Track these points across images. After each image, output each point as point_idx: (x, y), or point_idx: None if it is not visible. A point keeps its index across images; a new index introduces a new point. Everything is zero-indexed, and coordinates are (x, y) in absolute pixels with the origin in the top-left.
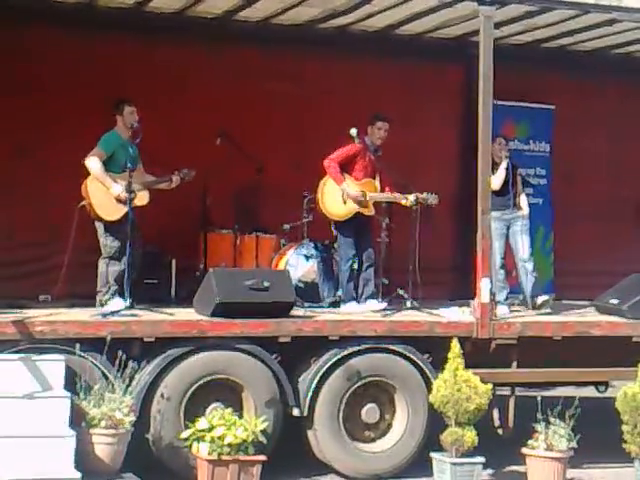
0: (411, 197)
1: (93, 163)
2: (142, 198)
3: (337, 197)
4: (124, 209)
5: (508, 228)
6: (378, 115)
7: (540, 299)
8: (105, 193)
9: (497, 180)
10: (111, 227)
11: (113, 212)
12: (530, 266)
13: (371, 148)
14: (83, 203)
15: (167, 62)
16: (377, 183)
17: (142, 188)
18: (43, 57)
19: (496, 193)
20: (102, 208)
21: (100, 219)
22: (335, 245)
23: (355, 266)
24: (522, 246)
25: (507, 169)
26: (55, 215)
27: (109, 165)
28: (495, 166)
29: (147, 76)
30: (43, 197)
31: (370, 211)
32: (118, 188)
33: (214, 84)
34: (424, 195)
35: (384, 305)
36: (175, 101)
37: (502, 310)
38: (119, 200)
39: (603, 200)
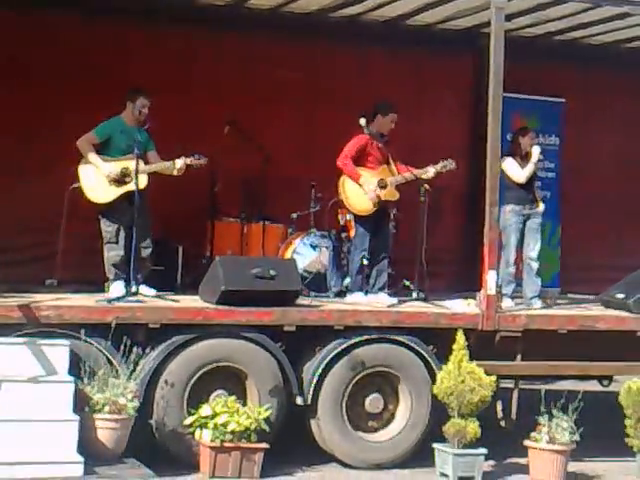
0: (430, 169)
1: (80, 144)
2: (139, 182)
3: (360, 192)
4: (115, 192)
5: (524, 223)
6: (391, 106)
7: (535, 303)
8: (96, 175)
9: (526, 173)
10: (105, 211)
11: (102, 195)
12: (535, 266)
13: (377, 136)
14: (75, 185)
15: (176, 49)
16: (393, 167)
17: (142, 172)
18: (47, 44)
19: (519, 186)
20: (91, 190)
21: (90, 202)
22: (342, 235)
23: (365, 261)
24: (534, 244)
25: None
26: (61, 200)
27: (106, 149)
28: (523, 158)
29: (156, 63)
30: (49, 182)
31: (395, 196)
32: (107, 167)
33: (223, 72)
34: (441, 164)
35: (394, 301)
36: (183, 89)
37: (507, 303)
38: (110, 180)
39: (611, 194)
